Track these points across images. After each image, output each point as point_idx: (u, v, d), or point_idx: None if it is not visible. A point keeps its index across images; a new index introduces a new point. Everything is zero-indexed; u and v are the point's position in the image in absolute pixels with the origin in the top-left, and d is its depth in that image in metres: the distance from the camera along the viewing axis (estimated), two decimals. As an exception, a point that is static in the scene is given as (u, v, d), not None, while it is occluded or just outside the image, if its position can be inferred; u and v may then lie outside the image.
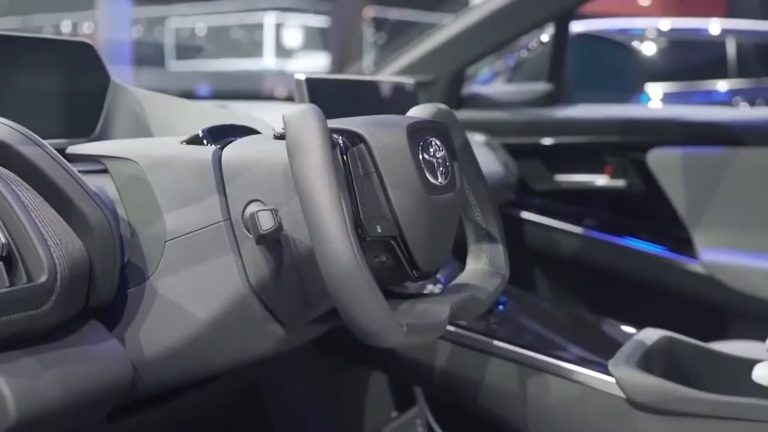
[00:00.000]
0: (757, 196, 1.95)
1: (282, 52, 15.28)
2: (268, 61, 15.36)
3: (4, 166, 0.94)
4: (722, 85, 6.22)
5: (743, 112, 2.17)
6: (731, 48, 6.28)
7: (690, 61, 6.36)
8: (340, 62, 7.36)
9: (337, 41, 7.80)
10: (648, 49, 6.39)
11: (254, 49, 15.73)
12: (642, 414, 1.22)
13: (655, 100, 6.14)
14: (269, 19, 15.32)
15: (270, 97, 2.57)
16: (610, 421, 1.25)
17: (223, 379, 1.21)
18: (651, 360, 1.31)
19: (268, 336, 1.01)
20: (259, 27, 15.54)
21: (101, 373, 0.94)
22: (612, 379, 1.26)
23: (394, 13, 14.94)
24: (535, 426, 1.32)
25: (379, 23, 13.99)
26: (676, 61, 6.40)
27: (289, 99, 2.16)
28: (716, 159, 1.97)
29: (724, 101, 6.10)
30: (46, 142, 0.97)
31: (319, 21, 13.85)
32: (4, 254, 0.87)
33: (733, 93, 6.13)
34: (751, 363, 1.22)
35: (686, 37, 6.65)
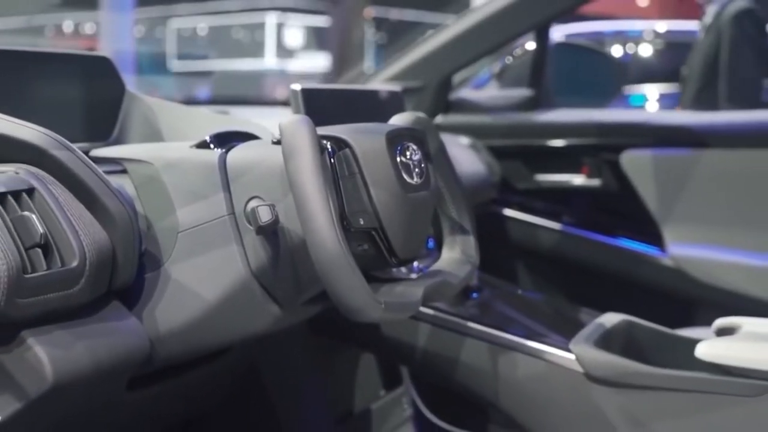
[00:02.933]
0: (722, 194, 2.03)
1: (283, 52, 15.20)
2: (269, 61, 15.29)
3: (39, 168, 1.02)
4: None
5: (709, 116, 2.25)
6: None
7: (684, 62, 6.39)
8: (340, 65, 7.41)
9: (337, 45, 7.82)
10: (644, 50, 6.44)
11: (256, 49, 15.63)
12: (598, 387, 1.34)
13: (652, 100, 6.19)
14: (271, 19, 15.24)
15: (270, 102, 2.66)
16: (570, 394, 1.37)
17: (228, 357, 1.30)
18: (610, 340, 1.42)
19: (267, 315, 1.12)
20: (261, 27, 15.45)
21: (123, 346, 1.03)
22: (572, 356, 1.37)
23: (394, 13, 14.93)
24: (505, 398, 1.43)
25: (379, 23, 13.98)
26: (671, 62, 6.44)
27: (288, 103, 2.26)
28: (684, 160, 2.06)
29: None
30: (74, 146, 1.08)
31: (321, 21, 13.80)
32: (42, 242, 0.94)
33: None
34: (696, 342, 1.34)
35: (681, 39, 6.70)
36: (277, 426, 1.54)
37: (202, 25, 15.89)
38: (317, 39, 14.36)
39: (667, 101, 6.03)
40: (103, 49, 8.01)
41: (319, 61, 12.66)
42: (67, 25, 14.08)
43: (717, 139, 2.06)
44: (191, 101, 1.98)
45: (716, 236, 2.03)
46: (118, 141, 1.41)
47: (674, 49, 6.44)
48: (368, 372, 1.76)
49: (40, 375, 0.94)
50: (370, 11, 10.19)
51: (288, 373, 1.59)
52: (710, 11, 2.76)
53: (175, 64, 14.25)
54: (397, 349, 1.54)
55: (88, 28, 13.34)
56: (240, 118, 1.57)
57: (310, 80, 11.81)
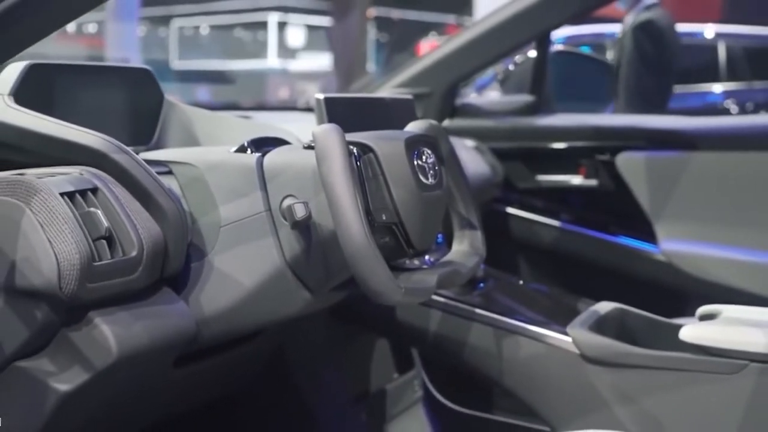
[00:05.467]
0: (711, 193, 2.13)
1: (285, 51, 15.19)
2: (271, 61, 15.27)
3: (100, 169, 1.13)
4: (714, 88, 6.36)
5: (699, 121, 2.33)
6: (722, 52, 6.43)
7: (683, 64, 6.47)
8: (343, 65, 7.51)
9: (340, 45, 7.89)
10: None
11: (258, 48, 15.62)
12: (592, 366, 1.47)
13: None
14: (273, 19, 15.22)
15: (289, 107, 2.78)
16: (568, 373, 1.50)
17: (260, 339, 1.42)
18: (603, 325, 1.54)
19: (298, 300, 1.23)
20: (263, 26, 15.43)
21: (173, 327, 1.14)
22: (569, 339, 1.50)
23: (396, 13, 14.97)
24: (508, 377, 1.56)
25: (381, 22, 14.01)
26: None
27: (304, 109, 2.38)
28: (676, 162, 2.15)
29: (717, 102, 6.23)
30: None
31: (322, 20, 13.81)
32: (107, 235, 1.05)
33: (725, 95, 6.27)
34: (681, 327, 1.46)
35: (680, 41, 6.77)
36: (301, 403, 1.65)
37: (205, 24, 15.86)
38: (319, 38, 14.36)
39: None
40: (109, 57, 8.11)
41: (322, 61, 12.68)
42: (70, 25, 14.07)
43: (706, 142, 2.15)
44: (216, 107, 2.09)
45: (705, 233, 2.12)
46: (158, 145, 1.52)
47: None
48: (383, 356, 1.86)
49: (105, 350, 1.06)
50: (372, 11, 10.24)
51: (311, 356, 1.70)
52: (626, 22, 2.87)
53: (177, 64, 14.15)
54: (410, 333, 1.66)
55: (91, 28, 13.36)
56: (263, 122, 1.66)
57: (314, 79, 11.81)
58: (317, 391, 1.70)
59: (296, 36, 15.52)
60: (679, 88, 6.18)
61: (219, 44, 16.07)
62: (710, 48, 6.44)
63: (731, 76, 6.35)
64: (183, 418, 1.51)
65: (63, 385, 1.07)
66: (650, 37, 2.73)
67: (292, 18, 15.48)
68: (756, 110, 6.07)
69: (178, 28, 15.17)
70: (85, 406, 1.13)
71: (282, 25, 15.38)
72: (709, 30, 6.60)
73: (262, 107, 2.58)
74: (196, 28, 15.99)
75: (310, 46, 15.14)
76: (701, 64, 6.35)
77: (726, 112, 6.08)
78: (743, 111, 6.09)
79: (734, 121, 2.29)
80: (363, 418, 1.78)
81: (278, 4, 15.23)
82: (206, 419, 1.61)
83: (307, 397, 1.67)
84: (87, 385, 1.08)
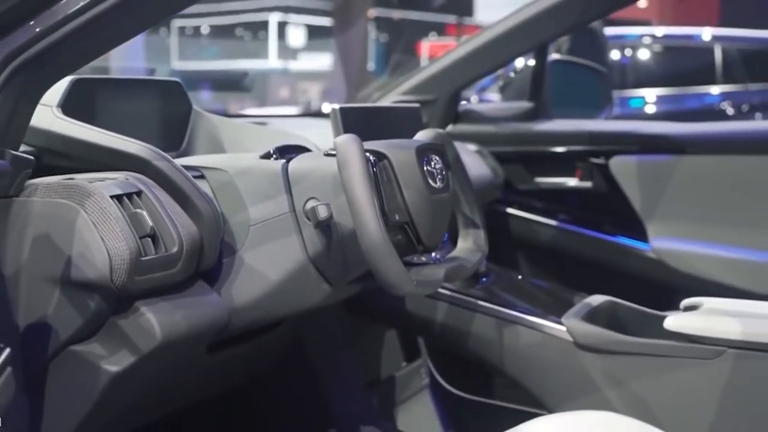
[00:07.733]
0: (698, 195, 2.23)
1: (286, 51, 15.18)
2: (272, 61, 15.26)
3: (142, 174, 1.23)
4: (710, 90, 6.45)
5: (688, 127, 2.41)
6: (718, 54, 6.53)
7: (680, 66, 6.58)
8: (345, 66, 7.60)
9: (342, 46, 7.97)
10: (642, 54, 6.61)
11: (259, 48, 15.61)
12: (584, 353, 1.58)
13: (650, 103, 6.35)
14: (273, 19, 15.21)
15: (303, 113, 2.88)
16: (562, 359, 1.61)
17: (281, 329, 1.53)
18: (595, 315, 1.65)
19: (319, 292, 1.34)
20: (263, 26, 15.42)
21: (208, 316, 1.25)
22: (564, 328, 1.61)
23: (396, 13, 15.02)
24: (508, 364, 1.67)
25: (381, 22, 14.05)
26: (669, 66, 6.61)
27: (314, 114, 2.49)
28: (666, 165, 2.25)
29: (713, 104, 6.33)
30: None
31: (323, 21, 13.81)
32: (151, 233, 1.15)
33: (722, 97, 6.37)
34: (666, 317, 1.58)
35: (678, 43, 6.87)
36: (317, 389, 1.76)
37: (205, 24, 15.83)
38: (320, 38, 14.34)
39: (664, 104, 6.21)
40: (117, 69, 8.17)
41: (323, 61, 12.70)
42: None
43: (695, 147, 2.26)
44: (234, 114, 2.21)
45: (693, 231, 2.22)
46: (187, 152, 1.63)
47: (672, 52, 6.63)
48: (392, 346, 1.96)
49: (150, 335, 1.17)
50: (372, 11, 10.32)
51: (326, 345, 1.80)
52: None
53: (177, 65, 14.07)
54: (417, 324, 1.77)
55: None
56: (280, 129, 1.76)
57: (314, 79, 11.82)
58: (331, 378, 1.80)
59: (297, 36, 15.51)
60: (677, 90, 6.32)
61: (220, 44, 16.04)
62: (707, 50, 6.54)
63: (727, 79, 6.45)
64: (207, 403, 1.62)
65: (112, 366, 1.18)
66: (589, 42, 2.83)
67: (293, 18, 15.47)
68: (751, 111, 6.18)
69: (178, 28, 15.15)
70: (131, 388, 1.24)
71: (283, 25, 15.37)
72: (705, 33, 6.71)
73: (275, 114, 2.68)
74: (197, 28, 15.98)
75: (311, 46, 15.14)
76: (698, 66, 6.46)
77: (722, 113, 6.19)
78: (739, 112, 6.19)
79: (720, 127, 2.39)
80: (374, 403, 1.88)
81: (279, 4, 15.23)
82: (229, 403, 1.73)
83: (322, 383, 1.77)
84: (133, 367, 1.18)
